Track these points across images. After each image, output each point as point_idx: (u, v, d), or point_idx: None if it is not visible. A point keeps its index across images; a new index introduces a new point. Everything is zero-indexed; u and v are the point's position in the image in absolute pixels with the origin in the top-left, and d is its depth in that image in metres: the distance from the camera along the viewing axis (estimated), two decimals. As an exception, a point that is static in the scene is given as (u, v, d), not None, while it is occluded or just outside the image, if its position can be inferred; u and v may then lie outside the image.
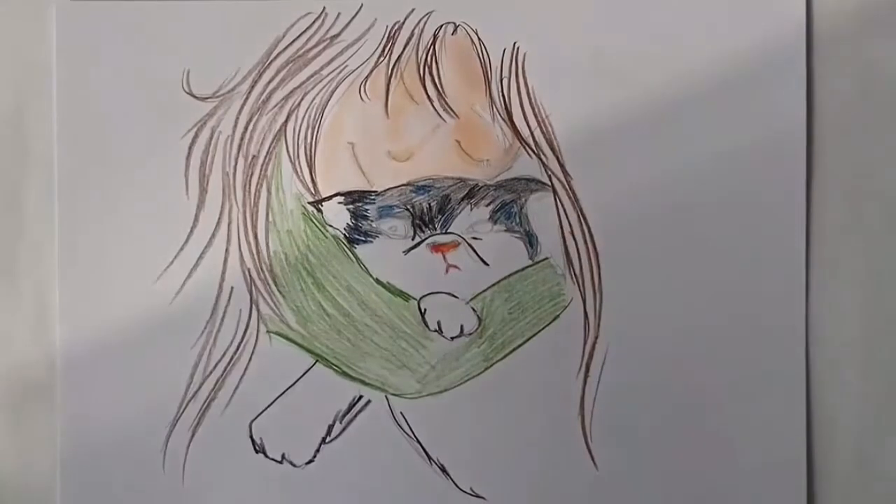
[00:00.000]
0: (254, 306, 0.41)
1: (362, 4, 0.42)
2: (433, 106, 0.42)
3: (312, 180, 0.42)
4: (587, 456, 0.41)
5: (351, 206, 0.42)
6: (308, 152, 0.42)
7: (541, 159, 0.42)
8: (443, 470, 0.41)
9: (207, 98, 0.42)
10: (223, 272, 0.41)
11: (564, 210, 0.42)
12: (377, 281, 0.41)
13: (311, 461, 0.41)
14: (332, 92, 0.42)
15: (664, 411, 0.41)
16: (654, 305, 0.42)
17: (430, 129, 0.42)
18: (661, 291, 0.42)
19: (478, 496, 0.41)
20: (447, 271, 0.41)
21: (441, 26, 0.42)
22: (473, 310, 0.42)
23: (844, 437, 0.42)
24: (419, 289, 0.41)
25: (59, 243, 0.41)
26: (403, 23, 0.42)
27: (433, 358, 0.42)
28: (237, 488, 0.41)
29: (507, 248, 0.42)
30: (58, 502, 0.41)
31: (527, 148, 0.42)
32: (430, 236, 0.41)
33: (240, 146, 0.42)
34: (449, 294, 0.41)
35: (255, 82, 0.42)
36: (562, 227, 0.42)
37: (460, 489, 0.41)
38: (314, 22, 0.42)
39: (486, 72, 0.42)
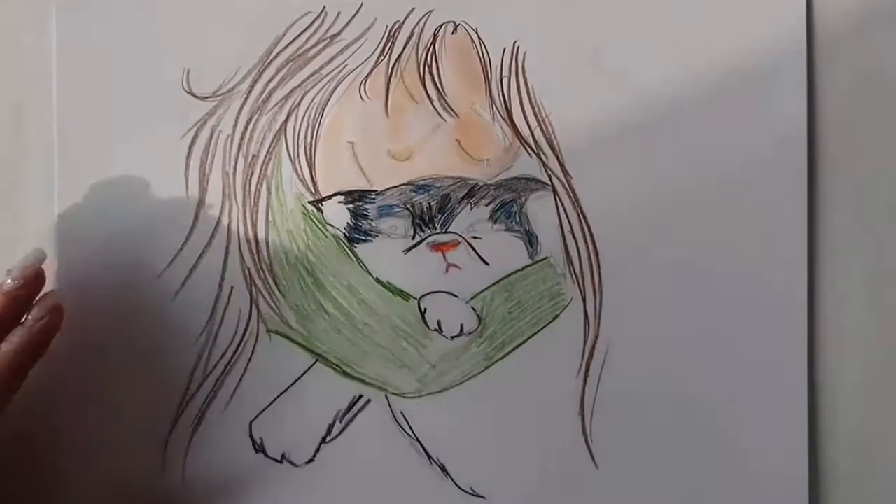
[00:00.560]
0: (254, 305, 0.41)
1: (362, 4, 0.42)
2: (433, 105, 0.42)
3: (312, 179, 0.42)
4: (587, 456, 0.41)
5: (351, 206, 0.42)
6: (308, 152, 0.42)
7: (541, 159, 0.42)
8: (443, 470, 0.41)
9: (207, 97, 0.42)
10: (223, 271, 0.41)
11: (564, 209, 0.42)
12: (377, 280, 0.41)
13: (310, 461, 0.41)
14: (332, 91, 0.42)
15: (664, 411, 0.41)
16: (654, 305, 0.42)
17: (430, 128, 0.42)
18: (661, 291, 0.42)
19: (478, 496, 0.41)
20: (447, 270, 0.41)
21: (441, 25, 0.42)
22: (473, 309, 0.41)
23: (847, 436, 0.42)
24: (419, 288, 0.41)
25: (59, 243, 0.41)
26: (403, 22, 0.42)
27: (433, 357, 0.41)
28: (237, 488, 0.41)
29: (507, 248, 0.42)
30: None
31: (527, 147, 0.42)
32: (430, 235, 0.41)
33: (240, 145, 0.42)
34: (449, 293, 0.41)
35: (255, 82, 0.42)
36: (562, 227, 0.42)
37: (460, 489, 0.41)
38: (314, 21, 0.42)
39: (486, 71, 0.42)
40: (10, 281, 0.38)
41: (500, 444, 0.41)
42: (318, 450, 0.41)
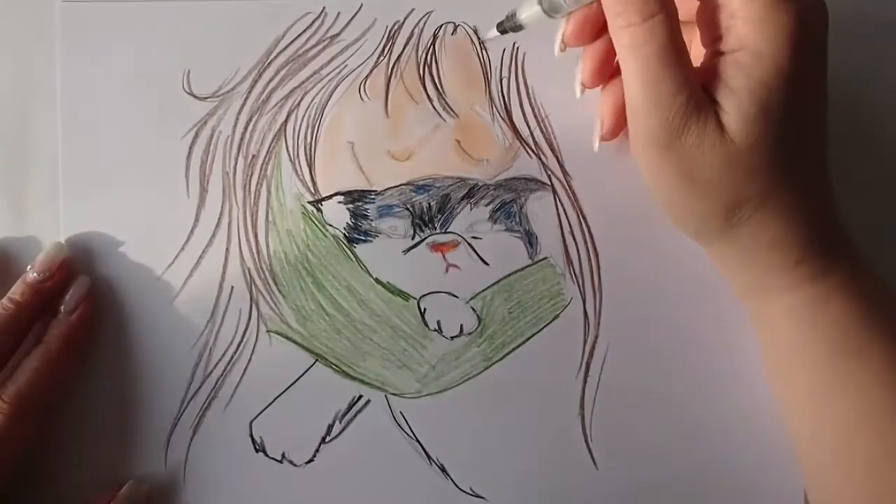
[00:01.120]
0: (254, 306, 0.41)
1: (362, 4, 0.42)
2: (433, 105, 0.42)
3: (312, 180, 0.42)
4: (587, 456, 0.41)
5: (351, 206, 0.42)
6: (308, 152, 0.42)
7: (540, 159, 0.42)
8: (443, 470, 0.41)
9: (207, 98, 0.42)
10: (223, 272, 0.41)
11: (564, 210, 0.42)
12: (377, 280, 0.41)
13: (310, 461, 0.41)
14: (332, 91, 0.42)
15: (664, 411, 0.41)
16: (654, 305, 0.42)
17: (429, 128, 0.42)
18: (661, 291, 0.42)
19: (478, 496, 0.41)
20: (447, 271, 0.41)
21: (441, 26, 0.42)
22: (473, 309, 0.41)
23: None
24: (419, 288, 0.41)
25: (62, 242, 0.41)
26: (403, 23, 0.42)
27: (433, 357, 0.41)
28: (237, 487, 0.41)
29: (506, 248, 0.42)
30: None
31: (526, 147, 0.42)
32: (429, 236, 0.41)
33: (240, 146, 0.42)
34: (449, 293, 0.41)
35: (255, 82, 0.42)
36: (561, 227, 0.42)
37: (460, 489, 0.41)
38: (314, 22, 0.42)
39: (486, 71, 0.42)
40: (34, 274, 0.39)
41: (500, 444, 0.41)
42: (318, 450, 0.41)
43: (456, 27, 0.42)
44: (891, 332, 0.35)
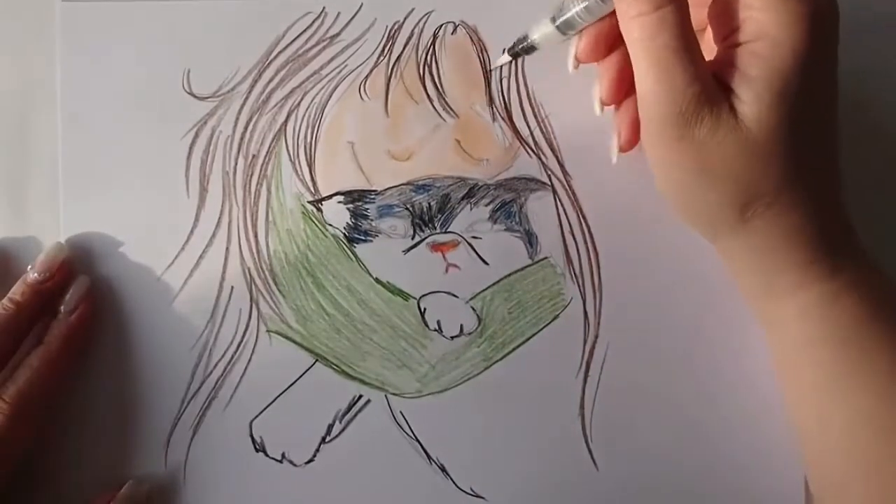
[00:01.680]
0: (254, 305, 0.41)
1: (362, 4, 0.42)
2: (433, 105, 0.42)
3: (312, 179, 0.42)
4: (587, 456, 0.41)
5: (351, 206, 0.42)
6: (308, 151, 0.42)
7: (540, 159, 0.42)
8: (443, 470, 0.41)
9: (207, 98, 0.42)
10: (223, 272, 0.41)
11: (564, 209, 0.42)
12: (377, 280, 0.41)
13: (310, 460, 0.41)
14: (332, 91, 0.42)
15: (664, 411, 0.41)
16: (654, 305, 0.42)
17: (429, 128, 0.42)
18: (661, 291, 0.42)
19: (478, 496, 0.41)
20: (447, 270, 0.41)
21: (441, 26, 0.42)
22: (473, 309, 0.41)
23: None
24: (419, 288, 0.41)
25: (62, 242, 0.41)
26: (403, 22, 0.42)
27: (433, 357, 0.41)
28: (237, 487, 0.41)
29: (506, 248, 0.42)
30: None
31: (526, 147, 0.42)
32: (429, 235, 0.42)
33: (240, 146, 0.42)
34: (449, 293, 0.41)
35: (255, 82, 0.42)
36: (561, 227, 0.42)
37: (460, 489, 0.41)
38: (314, 22, 0.42)
39: (486, 71, 0.42)
40: (34, 274, 0.39)
41: (500, 444, 0.41)
42: (318, 450, 0.41)
43: (456, 27, 0.42)
44: None
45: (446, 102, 0.42)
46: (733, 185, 0.34)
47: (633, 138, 0.38)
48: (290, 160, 0.42)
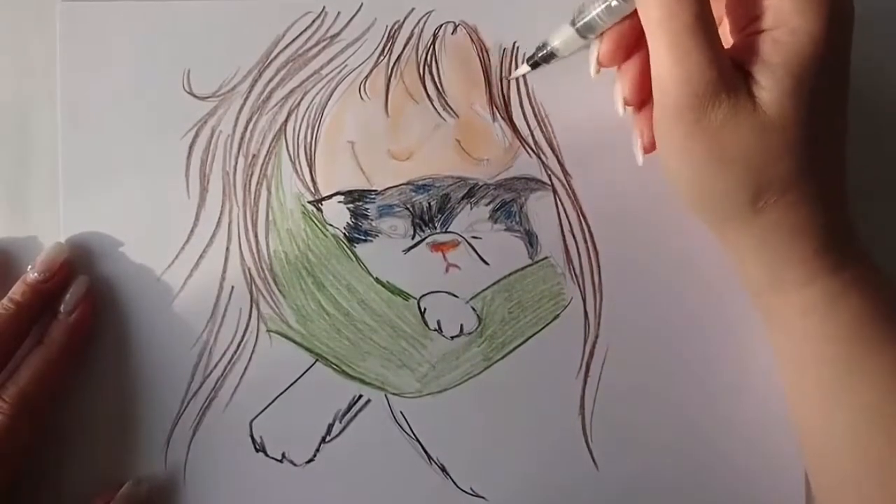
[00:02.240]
0: (254, 305, 0.41)
1: (362, 4, 0.42)
2: (433, 105, 0.42)
3: (312, 179, 0.42)
4: (587, 456, 0.41)
5: (351, 206, 0.42)
6: (308, 151, 0.42)
7: (540, 159, 0.42)
8: (443, 470, 0.41)
9: (207, 98, 0.42)
10: (223, 271, 0.41)
11: (564, 209, 0.42)
12: (377, 280, 0.41)
13: (310, 460, 0.41)
14: (332, 91, 0.42)
15: (664, 411, 0.41)
16: (654, 305, 0.42)
17: (430, 128, 0.42)
18: (661, 291, 0.42)
19: (478, 496, 0.41)
20: (447, 270, 0.41)
21: (441, 26, 0.42)
22: (473, 309, 0.41)
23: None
24: (419, 288, 0.41)
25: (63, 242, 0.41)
26: (403, 22, 0.42)
27: (433, 357, 0.41)
28: (237, 487, 0.41)
29: (507, 248, 0.42)
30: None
31: (527, 147, 0.42)
32: (429, 235, 0.41)
33: (240, 145, 0.42)
34: (449, 293, 0.41)
35: (255, 82, 0.42)
36: (562, 227, 0.42)
37: (460, 489, 0.41)
38: (314, 21, 0.42)
39: (486, 71, 0.42)
40: (35, 274, 0.39)
41: (500, 444, 0.41)
42: (318, 450, 0.41)
43: (456, 27, 0.42)
44: None
45: (446, 102, 0.42)
46: (747, 172, 0.33)
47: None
48: (291, 160, 0.42)
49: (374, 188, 0.42)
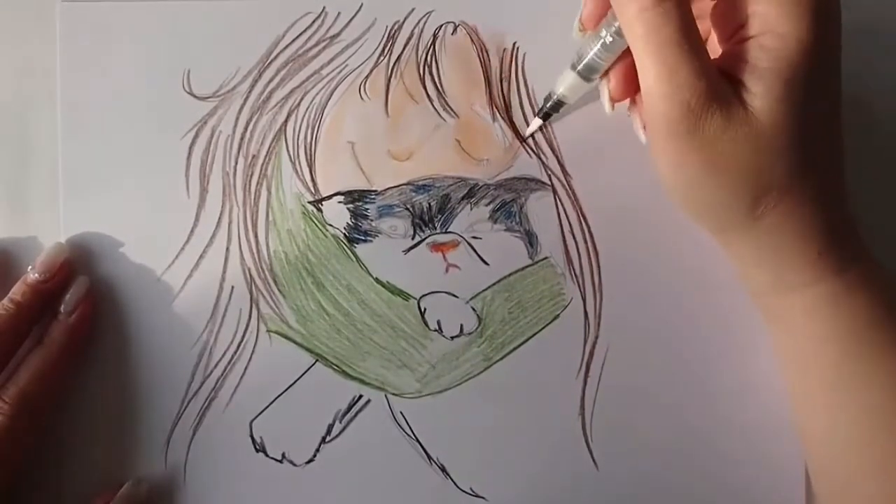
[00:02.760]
0: (254, 305, 0.41)
1: (362, 4, 0.42)
2: (433, 105, 0.42)
3: (312, 179, 0.42)
4: (587, 456, 0.41)
5: (351, 206, 0.42)
6: (308, 152, 0.42)
7: (540, 159, 0.42)
8: (443, 470, 0.41)
9: (207, 98, 0.42)
10: (223, 272, 0.41)
11: (564, 209, 0.42)
12: (377, 280, 0.41)
13: (311, 460, 0.41)
14: (332, 91, 0.42)
15: (664, 411, 0.41)
16: (654, 305, 0.42)
17: (430, 128, 0.42)
18: (661, 291, 0.42)
19: (478, 496, 0.41)
20: (447, 271, 0.41)
21: (441, 26, 0.42)
22: (473, 309, 0.41)
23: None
24: (419, 288, 0.41)
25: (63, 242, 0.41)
26: (403, 22, 0.42)
27: (433, 357, 0.41)
28: (237, 487, 0.41)
29: (507, 248, 0.42)
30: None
31: (527, 147, 0.42)
32: (429, 235, 0.42)
33: (240, 146, 0.42)
34: (449, 293, 0.41)
35: (255, 82, 0.42)
36: (562, 227, 0.42)
37: (460, 489, 0.41)
38: (314, 22, 0.42)
39: (486, 71, 0.42)
40: (35, 274, 0.39)
41: (500, 444, 0.41)
42: (318, 450, 0.41)
43: (456, 27, 0.42)
44: None
45: (446, 102, 0.42)
46: (744, 180, 0.33)
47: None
48: (291, 160, 0.42)
49: (374, 188, 0.42)
